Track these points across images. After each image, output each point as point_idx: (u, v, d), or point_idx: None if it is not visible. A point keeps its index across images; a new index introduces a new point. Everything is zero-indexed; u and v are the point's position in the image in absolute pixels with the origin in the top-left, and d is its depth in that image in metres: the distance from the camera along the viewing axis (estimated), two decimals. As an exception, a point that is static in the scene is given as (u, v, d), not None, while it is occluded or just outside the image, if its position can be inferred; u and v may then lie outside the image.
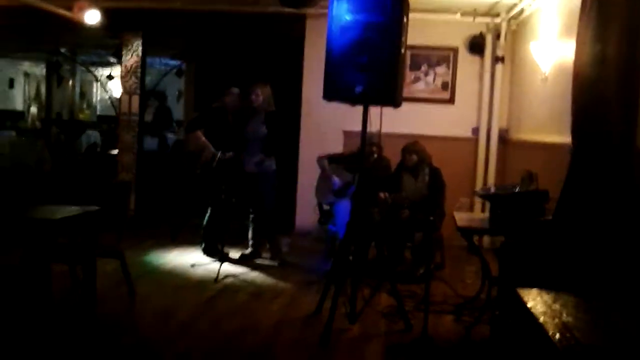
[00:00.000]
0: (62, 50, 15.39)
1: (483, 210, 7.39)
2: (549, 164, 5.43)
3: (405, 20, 4.50)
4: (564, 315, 2.20)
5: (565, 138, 4.55)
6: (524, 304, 2.36)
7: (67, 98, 18.45)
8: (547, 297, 2.41)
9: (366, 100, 4.60)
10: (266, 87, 6.66)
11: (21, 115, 17.41)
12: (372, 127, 4.96)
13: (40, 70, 18.05)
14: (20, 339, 4.20)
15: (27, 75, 18.57)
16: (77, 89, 18.61)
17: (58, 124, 16.60)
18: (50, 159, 13.80)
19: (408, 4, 4.57)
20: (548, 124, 6.13)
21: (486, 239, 7.62)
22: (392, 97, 4.54)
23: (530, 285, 3.36)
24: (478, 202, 7.52)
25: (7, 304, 4.17)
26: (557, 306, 2.30)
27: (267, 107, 6.66)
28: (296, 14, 8.06)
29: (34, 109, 18.47)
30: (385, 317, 5.06)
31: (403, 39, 4.51)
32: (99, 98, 18.52)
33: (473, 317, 4.98)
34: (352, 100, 4.66)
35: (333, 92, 4.62)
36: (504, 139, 8.01)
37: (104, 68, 16.59)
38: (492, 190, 4.87)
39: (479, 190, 5.02)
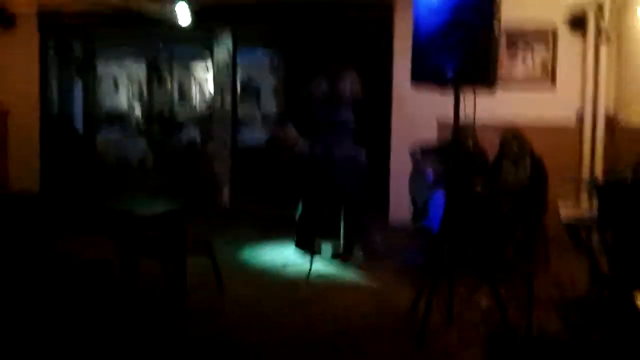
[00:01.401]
0: (160, 49, 15.76)
1: (591, 202, 6.87)
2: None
3: (498, -2, 4.17)
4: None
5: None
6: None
7: (167, 96, 18.89)
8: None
9: (458, 81, 4.29)
10: (353, 73, 6.44)
11: (126, 115, 17.98)
12: (466, 118, 4.65)
13: (142, 70, 18.57)
14: (107, 331, 4.20)
15: (130, 76, 19.16)
16: (175, 87, 19.00)
17: (159, 122, 17.02)
18: (152, 156, 14.19)
19: (502, -19, 4.24)
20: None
21: (596, 234, 7.08)
22: (486, 78, 4.22)
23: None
24: (585, 193, 7.00)
25: (97, 295, 4.18)
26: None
27: (355, 95, 6.44)
28: None
29: (137, 109, 19.03)
30: (485, 318, 4.73)
31: (496, 18, 4.18)
32: (197, 95, 18.84)
33: (582, 318, 4.58)
34: (443, 82, 4.36)
35: (422, 74, 4.36)
36: (611, 124, 7.42)
37: (203, 66, 16.85)
38: (600, 180, 4.45)
39: (586, 180, 4.62)
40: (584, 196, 7.06)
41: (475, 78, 4.22)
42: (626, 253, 3.37)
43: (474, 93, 4.50)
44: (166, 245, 4.85)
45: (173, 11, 8.19)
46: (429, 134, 7.67)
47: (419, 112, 7.75)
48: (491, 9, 4.15)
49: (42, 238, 4.28)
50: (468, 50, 4.16)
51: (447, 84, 4.36)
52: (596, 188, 4.46)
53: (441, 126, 7.62)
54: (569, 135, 7.59)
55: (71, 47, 10.53)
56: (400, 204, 7.70)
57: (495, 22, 4.20)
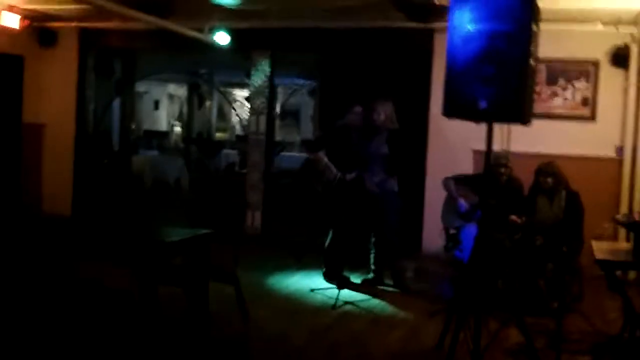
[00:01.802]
0: (202, 72, 15.96)
1: (628, 240, 6.69)
2: None
3: (534, 27, 4.08)
4: None
5: None
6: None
7: (206, 118, 19.10)
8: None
9: (491, 116, 4.20)
10: (388, 104, 6.41)
11: (165, 135, 18.19)
12: (503, 146, 4.57)
13: (183, 91, 18.83)
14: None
15: (171, 96, 19.45)
16: (214, 110, 19.21)
17: (197, 144, 17.18)
18: (188, 177, 14.29)
19: (538, 10, 4.14)
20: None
21: (632, 272, 6.88)
22: (520, 113, 4.10)
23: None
24: (623, 230, 6.82)
25: (118, 325, 4.15)
26: None
27: (389, 125, 6.40)
28: (424, 28, 7.77)
29: (177, 129, 19.27)
30: (513, 356, 4.60)
31: (532, 48, 4.09)
32: (237, 118, 19.00)
33: (614, 358, 4.42)
34: (475, 117, 4.28)
35: (454, 107, 4.25)
36: (652, 160, 7.25)
37: (242, 89, 17.01)
38: (637, 217, 4.31)
39: (620, 217, 4.49)
40: (622, 233, 6.91)
41: (508, 113, 4.12)
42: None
43: (508, 125, 4.42)
44: (189, 273, 4.82)
45: (213, 35, 8.28)
46: (465, 164, 7.58)
47: (455, 142, 7.68)
48: (527, 40, 4.04)
49: (65, 264, 4.28)
50: (501, 84, 4.05)
51: (480, 119, 4.27)
52: (630, 225, 4.31)
53: (477, 156, 7.53)
54: (609, 169, 7.44)
55: (111, 66, 10.70)
56: (434, 233, 7.58)
57: (532, 54, 4.11)
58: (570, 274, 5.80)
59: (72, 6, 8.27)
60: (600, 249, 4.34)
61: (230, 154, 16.53)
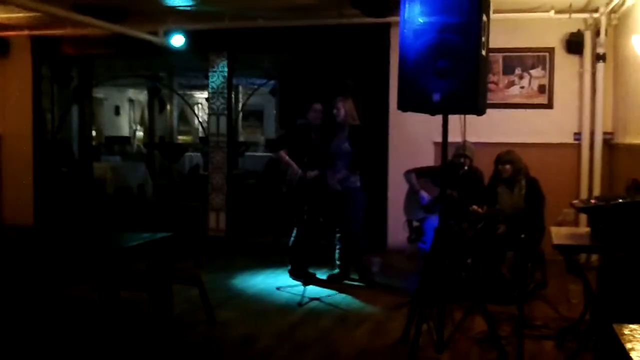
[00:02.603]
0: (161, 75, 15.79)
1: (589, 224, 6.78)
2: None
3: (484, 19, 4.11)
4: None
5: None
6: (621, 344, 1.95)
7: (168, 122, 18.92)
8: (649, 335, 1.99)
9: (445, 108, 4.23)
10: (348, 100, 6.41)
11: (127, 140, 17.96)
12: (461, 137, 4.60)
13: (143, 96, 18.62)
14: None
15: (131, 101, 19.20)
16: (176, 113, 19.04)
17: (160, 148, 17.00)
18: (152, 182, 14.13)
19: (488, 1, 4.18)
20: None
21: (594, 256, 6.98)
22: (474, 104, 4.14)
23: (634, 313, 2.92)
24: (585, 215, 6.91)
25: (79, 332, 4.09)
26: (661, 348, 1.88)
27: (350, 122, 6.40)
28: (380, 23, 7.79)
29: (139, 134, 19.06)
30: (478, 345, 4.62)
31: (483, 39, 4.13)
32: (200, 120, 18.85)
33: (577, 343, 4.47)
34: (430, 110, 4.30)
35: (409, 101, 4.29)
36: (609, 144, 7.36)
37: (202, 91, 16.88)
38: (592, 201, 4.37)
39: (577, 202, 4.53)
40: (584, 218, 6.99)
41: (462, 104, 4.14)
42: (614, 277, 3.28)
43: (464, 116, 4.45)
44: (151, 277, 4.77)
45: (168, 38, 8.20)
46: (427, 157, 7.63)
47: (416, 135, 7.72)
48: (477, 31, 4.07)
49: (26, 274, 4.20)
50: (454, 76, 4.08)
51: (434, 111, 4.29)
52: (587, 210, 4.37)
53: (438, 148, 7.55)
54: (567, 155, 7.55)
55: (68, 73, 10.55)
56: (398, 226, 7.61)
57: (483, 45, 4.14)
58: (533, 260, 5.86)
59: (22, 14, 8.13)
60: (558, 234, 4.38)
61: (194, 156, 16.40)
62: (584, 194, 7.34)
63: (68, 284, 5.75)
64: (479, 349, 4.55)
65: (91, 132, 12.08)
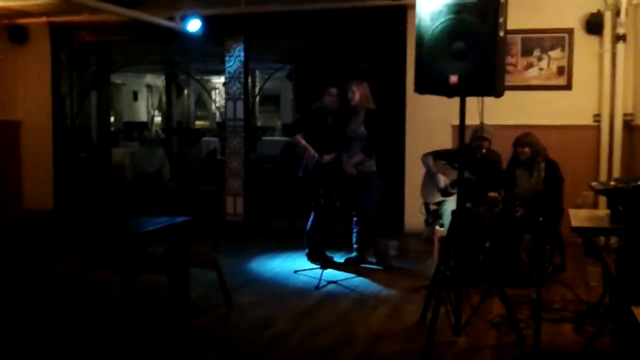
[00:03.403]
0: (178, 60, 15.82)
1: (609, 207, 6.72)
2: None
3: (502, -1, 4.06)
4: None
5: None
6: (639, 326, 1.94)
7: (186, 107, 18.98)
8: (666, 317, 1.97)
9: (463, 90, 4.19)
10: (363, 84, 6.37)
11: (145, 125, 18.06)
12: (480, 120, 4.56)
13: (161, 82, 18.69)
14: (111, 352, 4.15)
15: (149, 87, 19.28)
16: (193, 98, 19.09)
17: (177, 133, 17.08)
18: (169, 167, 14.21)
19: (505, -18, 4.13)
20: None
21: (613, 238, 6.91)
22: (492, 86, 4.09)
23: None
24: (604, 198, 6.85)
25: (97, 317, 4.13)
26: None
27: (366, 105, 6.37)
28: (396, 5, 7.74)
29: (157, 119, 19.14)
30: (496, 328, 4.61)
31: (501, 20, 4.07)
32: (216, 105, 18.89)
33: (596, 325, 4.44)
34: (448, 92, 4.26)
35: (426, 84, 4.26)
36: (629, 125, 7.27)
37: (220, 76, 16.90)
38: (612, 183, 4.32)
39: (597, 184, 4.48)
40: (603, 200, 6.92)
41: (480, 86, 4.10)
42: (633, 260, 3.24)
43: (481, 98, 4.40)
44: (169, 260, 4.80)
45: (185, 23, 8.20)
46: (445, 140, 7.59)
47: (434, 118, 7.69)
48: (495, 11, 4.02)
49: (43, 259, 4.24)
50: (472, 57, 4.04)
51: (452, 94, 4.25)
52: (605, 192, 4.33)
53: (456, 131, 7.51)
54: (587, 137, 7.48)
55: (86, 59, 10.61)
56: (415, 211, 7.59)
57: (501, 26, 4.08)
58: (552, 244, 5.82)
59: (40, 2, 8.17)
60: (577, 216, 4.34)
61: (211, 141, 16.46)
62: (603, 176, 7.26)
63: (86, 268, 5.84)
64: (497, 333, 4.53)
65: (109, 118, 12.16)
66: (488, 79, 4.07)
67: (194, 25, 8.27)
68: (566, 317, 4.84)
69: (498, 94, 4.18)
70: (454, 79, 4.10)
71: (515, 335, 4.35)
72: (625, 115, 7.27)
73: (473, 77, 4.08)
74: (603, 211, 5.85)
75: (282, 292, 5.70)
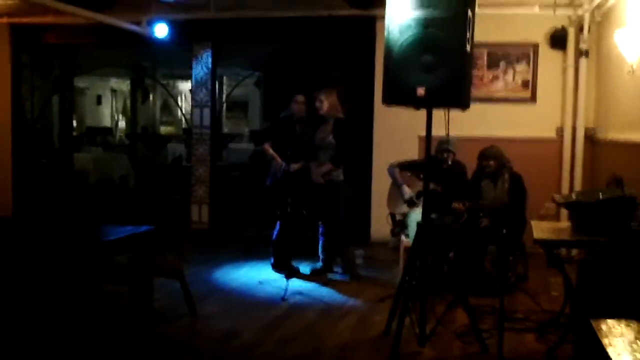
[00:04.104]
0: (145, 65, 15.66)
1: (570, 219, 6.84)
2: (641, 165, 4.94)
3: (470, 13, 4.12)
4: (648, 357, 1.81)
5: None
6: (598, 339, 1.97)
7: (151, 113, 18.79)
8: (627, 330, 2.01)
9: (430, 102, 4.24)
10: (332, 93, 6.39)
11: (109, 131, 17.82)
12: (446, 131, 4.61)
13: (126, 86, 18.46)
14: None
15: (114, 91, 19.03)
16: (159, 103, 18.91)
17: (142, 139, 16.89)
18: (134, 173, 14.04)
19: (473, -4, 4.19)
20: (637, 121, 5.58)
21: (575, 250, 7.02)
22: (459, 98, 4.16)
23: (611, 307, 2.95)
24: (565, 210, 6.96)
25: (60, 327, 4.06)
26: (639, 344, 1.90)
27: (334, 114, 6.39)
28: (365, 16, 7.80)
29: (122, 125, 18.91)
30: (460, 338, 4.65)
31: (468, 34, 4.13)
32: (183, 111, 18.74)
33: (558, 335, 4.51)
34: (415, 104, 4.31)
35: (394, 95, 4.30)
36: (591, 139, 7.42)
37: (186, 82, 16.78)
38: (573, 196, 4.40)
39: (559, 197, 4.57)
40: (565, 212, 7.04)
41: (447, 99, 4.15)
42: (593, 272, 3.31)
43: (447, 110, 4.46)
44: (132, 270, 4.74)
45: (152, 28, 8.13)
46: (411, 151, 7.64)
47: (401, 129, 7.73)
48: (463, 26, 4.08)
49: (6, 267, 4.16)
50: (440, 69, 4.09)
51: (419, 105, 4.30)
52: (567, 205, 4.41)
53: (423, 142, 7.56)
54: (550, 150, 7.61)
55: (50, 62, 10.43)
56: (381, 219, 7.63)
57: (468, 40, 4.14)
58: (515, 254, 5.91)
59: (1, 1, 8.03)
60: (539, 228, 4.41)
61: (177, 147, 16.30)
62: (565, 188, 7.40)
63: (49, 278, 5.73)
64: (461, 343, 4.58)
65: (72, 122, 11.97)
66: (456, 92, 4.13)
67: (161, 30, 8.22)
68: (529, 326, 4.91)
69: (465, 106, 4.24)
70: (421, 91, 4.14)
71: (479, 345, 4.40)
72: (587, 129, 7.42)
73: (441, 89, 4.13)
74: (565, 223, 5.96)
75: (248, 302, 5.67)
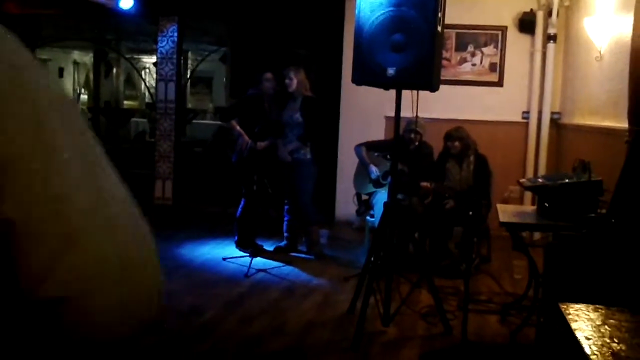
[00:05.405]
0: (109, 38, 15.37)
1: (534, 202, 6.92)
2: (606, 151, 5.00)
3: (441, -6, 4.09)
4: (615, 341, 1.82)
5: (623, 123, 4.12)
6: (567, 323, 1.98)
7: (115, 86, 18.47)
8: (595, 314, 2.03)
9: (399, 83, 4.21)
10: (300, 71, 6.33)
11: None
12: (413, 113, 4.59)
13: (89, 58, 18.10)
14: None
15: (76, 64, 18.66)
16: (122, 77, 18.60)
17: (105, 113, 16.62)
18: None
19: (445, -23, 4.16)
20: (604, 107, 5.65)
21: (537, 234, 7.12)
22: (429, 80, 4.13)
23: (579, 292, 2.98)
24: (529, 193, 7.04)
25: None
26: (607, 329, 1.91)
27: (303, 92, 6.33)
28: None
29: (84, 97, 18.57)
30: (424, 319, 4.69)
31: (440, 15, 4.11)
32: (147, 85, 18.48)
33: (520, 317, 4.57)
34: (384, 85, 4.28)
35: (363, 75, 4.26)
36: (556, 123, 7.49)
37: (151, 56, 16.52)
38: (540, 180, 4.43)
39: (525, 181, 4.60)
40: (529, 195, 7.13)
41: (417, 80, 4.13)
42: (560, 256, 3.34)
43: (417, 91, 4.45)
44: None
45: (118, 0, 7.96)
46: (378, 131, 7.64)
47: (368, 109, 7.71)
48: (434, 7, 4.05)
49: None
50: (409, 51, 4.06)
51: (389, 86, 4.27)
52: (534, 188, 4.45)
53: (389, 122, 7.58)
54: (516, 133, 7.65)
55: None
56: (347, 199, 7.63)
57: (439, 21, 4.12)
58: (479, 236, 5.96)
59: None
60: (505, 211, 4.45)
61: (140, 122, 16.09)
62: (530, 172, 7.46)
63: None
64: (425, 323, 4.61)
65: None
66: (426, 73, 4.11)
67: (126, 2, 8.04)
68: (491, 308, 4.96)
69: (434, 88, 4.23)
70: (391, 72, 4.12)
71: (443, 325, 4.43)
72: (552, 113, 7.48)
73: (411, 70, 4.10)
74: (530, 207, 6.04)
75: (211, 279, 5.63)
